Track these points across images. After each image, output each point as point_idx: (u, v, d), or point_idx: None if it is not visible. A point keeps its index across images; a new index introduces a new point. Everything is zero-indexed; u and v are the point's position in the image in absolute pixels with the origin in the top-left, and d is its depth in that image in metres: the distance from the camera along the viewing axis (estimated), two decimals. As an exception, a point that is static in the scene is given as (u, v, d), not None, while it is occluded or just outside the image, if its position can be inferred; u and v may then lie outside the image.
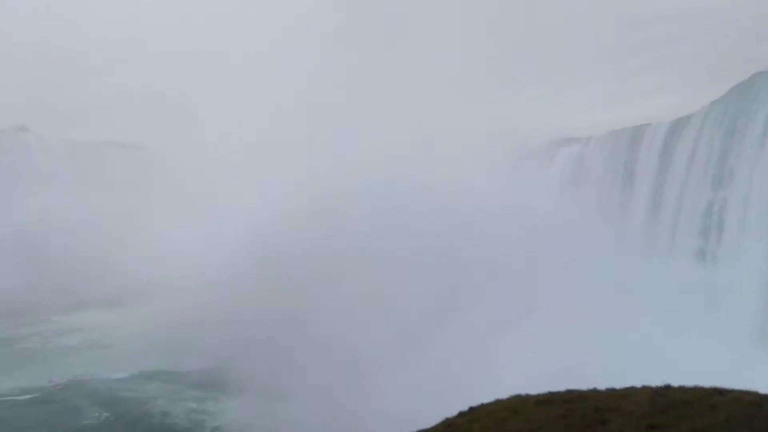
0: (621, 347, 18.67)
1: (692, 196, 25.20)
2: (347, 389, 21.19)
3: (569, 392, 8.46)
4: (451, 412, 8.34)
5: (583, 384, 8.68)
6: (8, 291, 41.88)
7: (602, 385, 8.11)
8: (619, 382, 6.95)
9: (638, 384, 7.10)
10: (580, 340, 19.41)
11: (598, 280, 23.31)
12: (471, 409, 8.16)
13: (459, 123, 35.10)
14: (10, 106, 64.49)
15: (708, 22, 76.72)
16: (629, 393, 7.26)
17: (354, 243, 26.89)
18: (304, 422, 20.90)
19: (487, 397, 8.65)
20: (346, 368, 22.09)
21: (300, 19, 45.15)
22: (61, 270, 44.90)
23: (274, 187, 32.77)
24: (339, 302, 24.92)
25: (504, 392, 8.42)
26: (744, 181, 22.45)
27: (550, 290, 22.42)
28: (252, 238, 30.36)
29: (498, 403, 8.09)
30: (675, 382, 6.76)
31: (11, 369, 28.21)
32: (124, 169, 61.44)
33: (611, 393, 7.54)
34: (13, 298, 41.18)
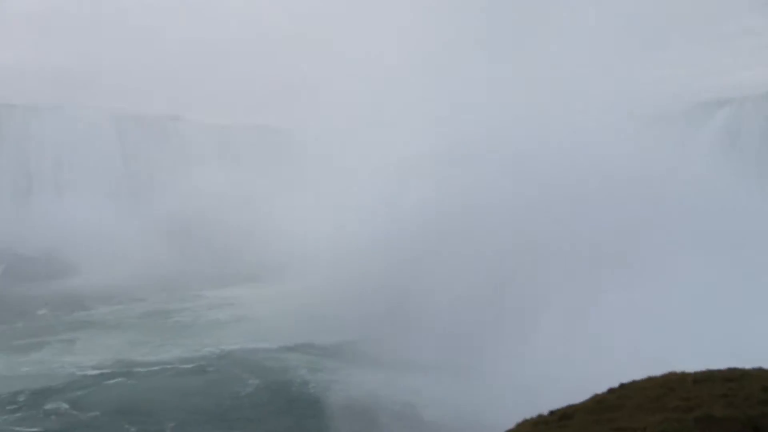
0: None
1: None
2: (483, 364, 21.08)
3: (731, 370, 7.86)
4: (599, 388, 8.02)
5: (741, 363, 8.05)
6: (165, 267, 45.52)
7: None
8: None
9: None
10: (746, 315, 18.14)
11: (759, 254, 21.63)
12: (621, 385, 7.82)
13: (592, 87, 33.24)
14: (165, 96, 69.30)
15: None
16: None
17: (488, 218, 26.45)
18: (437, 394, 21.01)
19: (636, 375, 8.24)
20: (481, 343, 21.93)
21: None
22: (210, 248, 48.24)
23: (408, 168, 32.70)
24: (474, 277, 24.77)
25: (658, 369, 7.99)
26: None
27: (707, 264, 21.00)
28: (385, 216, 30.71)
29: (651, 380, 7.66)
30: None
31: (169, 340, 30.39)
32: (265, 151, 64.58)
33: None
34: (170, 274, 44.68)
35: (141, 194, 62.77)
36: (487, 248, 25.51)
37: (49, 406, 22.08)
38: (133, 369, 26.03)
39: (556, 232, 24.37)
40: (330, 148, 43.71)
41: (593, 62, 33.74)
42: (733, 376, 7.48)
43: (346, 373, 24.58)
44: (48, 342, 30.42)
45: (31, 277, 48.21)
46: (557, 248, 23.85)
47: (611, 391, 7.69)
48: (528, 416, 7.63)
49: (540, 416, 7.63)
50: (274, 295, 36.05)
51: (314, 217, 36.54)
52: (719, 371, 7.71)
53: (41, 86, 67.27)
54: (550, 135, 28.78)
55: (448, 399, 20.44)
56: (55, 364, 26.92)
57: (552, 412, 7.64)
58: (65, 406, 22.11)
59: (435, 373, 22.53)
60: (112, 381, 24.83)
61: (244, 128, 71.46)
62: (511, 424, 7.46)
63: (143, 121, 69.92)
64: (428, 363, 23.18)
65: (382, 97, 39.43)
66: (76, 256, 49.99)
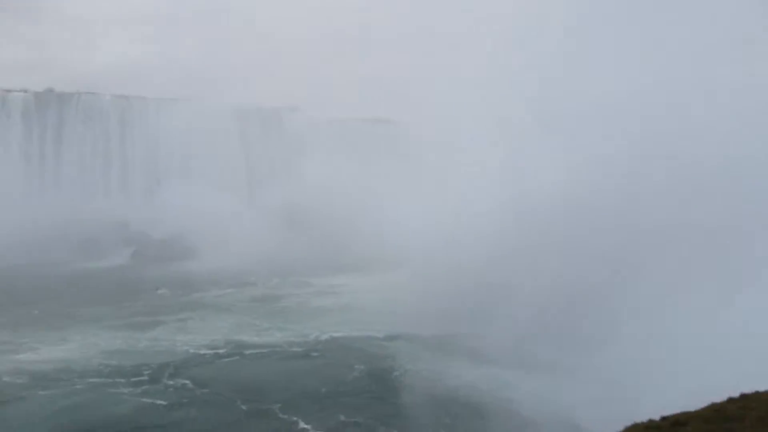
0: None
1: None
2: (580, 362, 20.33)
3: None
4: (717, 396, 7.38)
5: None
6: (278, 254, 47.06)
7: None
8: None
9: None
10: None
11: None
12: (743, 395, 7.16)
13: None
14: (283, 89, 71.74)
15: None
16: None
17: (598, 209, 25.14)
18: (534, 390, 20.44)
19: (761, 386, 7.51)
20: (582, 341, 21.08)
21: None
22: (321, 237, 49.46)
23: (529, 159, 31.56)
24: (578, 273, 23.79)
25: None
26: None
27: None
28: (490, 210, 30.05)
29: (778, 392, 6.97)
30: None
31: (277, 324, 31.34)
32: (379, 144, 65.48)
33: None
34: (281, 261, 46.15)
35: (259, 184, 65.32)
36: (595, 242, 24.29)
37: (167, 381, 23.26)
38: (243, 350, 26.98)
39: (679, 224, 22.55)
40: (443, 142, 43.44)
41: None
42: None
43: (446, 365, 24.38)
44: (164, 321, 32.12)
45: (156, 259, 51.45)
46: (683, 240, 22.04)
47: (731, 400, 7.05)
48: (629, 419, 7.15)
49: (651, 421, 7.15)
50: (380, 285, 36.40)
51: (423, 210, 36.41)
52: None
53: (170, 81, 71.30)
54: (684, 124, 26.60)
55: (545, 396, 19.88)
56: (170, 341, 28.37)
57: (664, 418, 7.14)
58: (182, 381, 23.21)
59: (532, 370, 22.11)
60: (223, 360, 25.89)
61: (360, 121, 72.66)
62: (610, 425, 6.99)
63: (263, 114, 72.70)
64: (526, 359, 22.81)
65: (501, 92, 38.41)
66: (197, 241, 52.77)
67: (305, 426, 19.45)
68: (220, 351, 26.79)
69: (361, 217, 45.70)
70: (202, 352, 26.71)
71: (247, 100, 70.22)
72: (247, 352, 26.75)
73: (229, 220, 52.95)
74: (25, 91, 70.11)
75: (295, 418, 19.97)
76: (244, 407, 20.97)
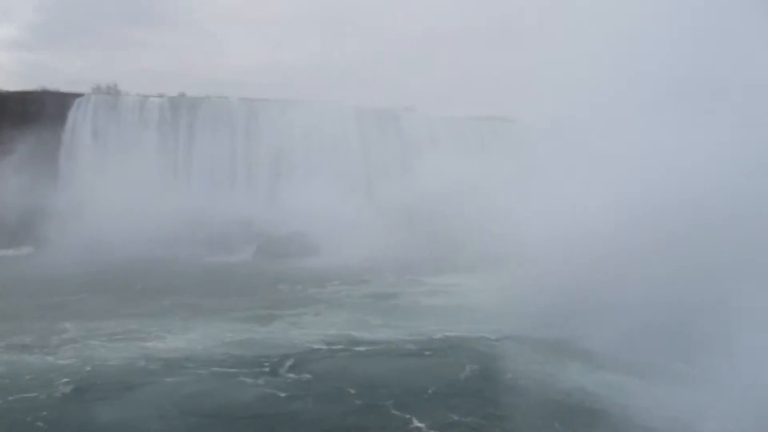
0: None
1: None
2: (701, 369, 19.12)
3: None
4: None
5: None
6: (393, 253, 47.73)
7: None
8: None
9: None
10: None
11: None
12: None
13: None
14: (400, 88, 72.61)
15: None
16: None
17: (727, 207, 23.37)
18: (649, 397, 19.51)
19: None
20: (704, 347, 19.80)
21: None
22: (436, 236, 49.62)
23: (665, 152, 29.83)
24: (703, 275, 22.36)
25: None
26: None
27: None
28: (607, 210, 28.81)
29: None
30: None
31: (389, 321, 31.70)
32: (494, 141, 64.93)
33: None
34: (395, 259, 46.78)
35: (376, 183, 66.49)
36: (720, 239, 22.67)
37: (285, 373, 24.12)
38: (356, 346, 27.52)
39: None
40: (560, 139, 42.26)
41: None
42: None
43: (558, 367, 23.78)
44: (281, 315, 33.26)
45: (278, 256, 53.64)
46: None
47: None
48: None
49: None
50: (493, 285, 36.01)
51: (538, 208, 35.60)
52: None
53: (294, 83, 74.06)
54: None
55: (664, 403, 18.92)
56: (287, 335, 29.38)
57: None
58: (299, 374, 23.99)
59: (647, 375, 21.26)
60: (337, 355, 26.51)
61: (474, 119, 72.25)
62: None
63: (380, 114, 73.96)
64: (640, 364, 22.03)
65: (623, 88, 36.75)
66: (317, 239, 54.52)
67: (419, 424, 19.45)
68: (335, 346, 27.44)
69: (476, 215, 45.31)
70: (318, 346, 27.46)
71: (365, 100, 71.80)
72: (361, 348, 27.25)
73: (348, 219, 54.25)
74: (161, 96, 75.53)
75: (408, 416, 20.04)
76: (358, 402, 21.35)
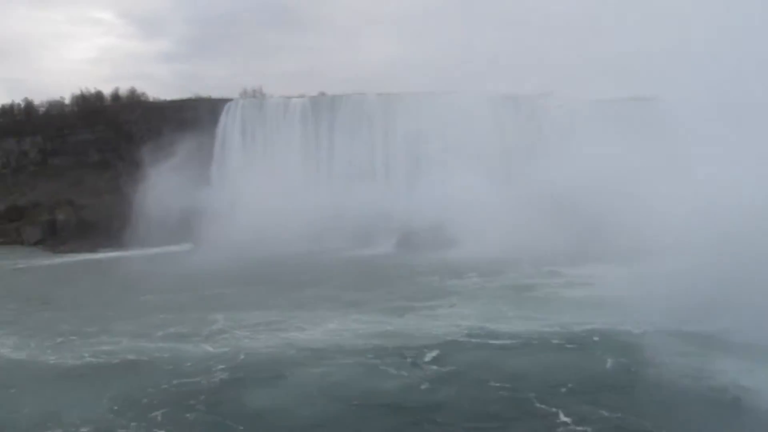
0: None
1: None
2: None
3: None
4: None
5: None
6: (533, 243, 46.68)
7: None
8: None
9: None
10: None
11: None
12: None
13: None
14: (536, 74, 70.73)
15: None
16: None
17: None
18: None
19: None
20: None
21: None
22: (578, 224, 47.73)
23: None
24: None
25: None
26: None
27: None
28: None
29: None
30: None
31: (527, 314, 31.08)
32: (639, 124, 61.45)
33: None
34: (535, 249, 45.66)
35: (516, 172, 65.20)
36: None
37: (426, 364, 24.39)
38: (494, 338, 27.30)
39: None
40: (710, 121, 39.28)
41: None
42: None
43: (708, 361, 22.38)
44: (415, 307, 33.59)
45: (417, 248, 54.21)
46: None
47: None
48: None
49: None
50: (638, 277, 33.94)
51: (689, 195, 33.29)
52: None
53: (429, 75, 74.23)
54: None
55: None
56: (420, 327, 29.59)
57: None
58: (439, 365, 24.23)
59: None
60: (474, 347, 26.42)
61: (616, 101, 68.88)
62: None
63: (517, 101, 72.45)
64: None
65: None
66: (456, 230, 54.44)
67: (565, 419, 19.08)
68: (472, 339, 27.38)
69: (620, 203, 43.24)
70: (454, 338, 27.52)
71: (502, 88, 70.64)
72: (499, 341, 27.02)
73: (487, 209, 53.64)
74: (302, 96, 78.82)
75: (554, 410, 19.72)
76: (500, 393, 21.27)
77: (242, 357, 25.68)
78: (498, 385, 21.97)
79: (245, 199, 62.02)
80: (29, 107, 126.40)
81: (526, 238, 47.55)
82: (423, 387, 22.12)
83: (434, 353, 25.42)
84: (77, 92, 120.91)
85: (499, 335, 27.72)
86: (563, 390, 21.30)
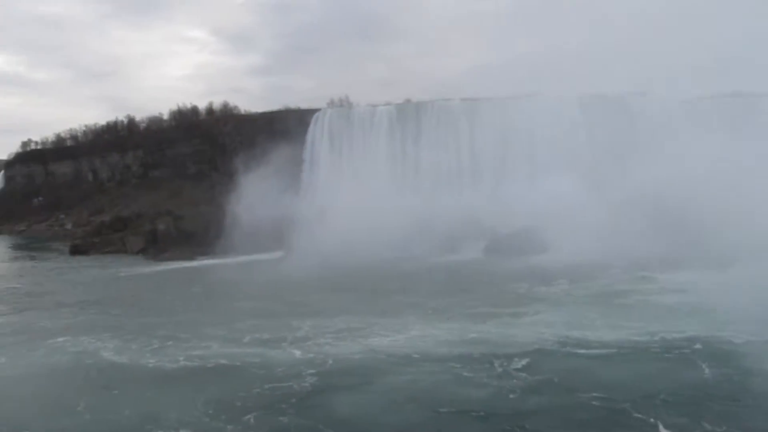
0: None
1: None
2: None
3: None
4: None
5: None
6: (625, 247, 45.03)
7: None
8: None
9: None
10: None
11: None
12: None
13: None
14: (627, 73, 68.31)
15: None
16: None
17: None
18: None
19: None
20: None
21: None
22: (676, 228, 45.75)
23: None
24: None
25: None
26: None
27: None
28: None
29: None
30: None
31: (617, 321, 29.98)
32: (739, 121, 58.36)
33: None
34: (628, 254, 44.07)
35: (607, 173, 63.23)
36: None
37: (514, 371, 24.02)
38: (582, 346, 26.56)
39: None
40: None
41: None
42: None
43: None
44: (499, 314, 33.06)
45: (505, 254, 53.30)
46: None
47: None
48: None
49: None
50: (737, 284, 32.21)
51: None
52: None
53: (516, 79, 73.22)
54: None
55: None
56: (503, 334, 29.09)
57: None
58: (527, 372, 23.81)
59: None
60: (562, 355, 25.78)
61: (715, 98, 65.54)
62: None
63: (607, 101, 70.37)
64: None
65: None
66: (545, 234, 53.32)
67: (665, 431, 18.49)
68: (560, 347, 26.75)
69: (719, 206, 41.18)
70: (543, 346, 26.94)
71: (592, 89, 68.80)
72: (587, 349, 26.25)
73: (577, 213, 52.20)
74: (388, 104, 79.66)
75: (652, 420, 19.08)
76: (594, 404, 20.69)
77: (330, 362, 26.06)
78: (590, 394, 21.37)
79: (334, 206, 63.03)
80: (131, 123, 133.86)
81: (619, 242, 45.92)
82: (512, 395, 21.83)
83: (521, 361, 25.02)
84: (174, 107, 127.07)
85: (587, 343, 26.96)
86: (661, 400, 20.56)
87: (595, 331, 28.66)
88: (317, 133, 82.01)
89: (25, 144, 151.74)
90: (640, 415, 19.45)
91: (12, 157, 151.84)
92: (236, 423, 20.34)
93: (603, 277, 41.38)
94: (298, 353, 27.49)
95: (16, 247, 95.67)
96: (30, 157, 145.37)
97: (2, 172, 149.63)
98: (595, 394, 21.26)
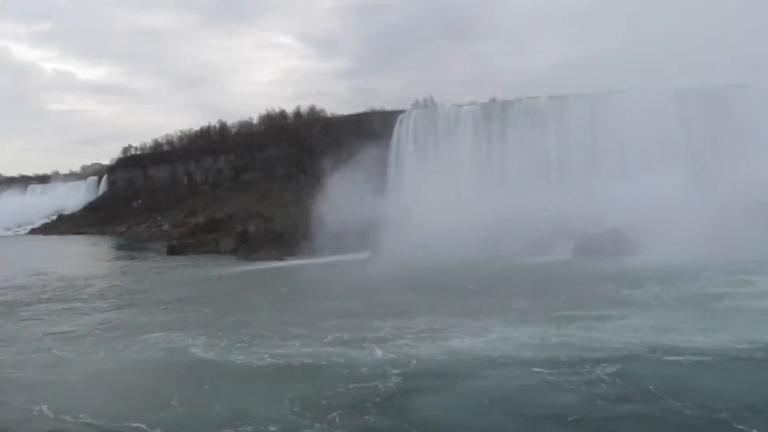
0: None
1: None
2: None
3: None
4: None
5: None
6: (723, 247, 42.90)
7: None
8: None
9: None
10: None
11: None
12: None
13: None
14: (727, 65, 64.85)
15: None
16: None
17: None
18: None
19: None
20: None
21: None
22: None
23: None
24: None
25: None
26: None
27: None
28: None
29: None
30: None
31: (708, 327, 28.57)
32: None
33: None
34: (728, 254, 41.94)
35: (704, 170, 60.50)
36: None
37: (604, 376, 23.17)
38: (668, 353, 25.42)
39: None
40: None
41: None
42: None
43: None
44: (583, 317, 31.94)
45: (596, 255, 51.76)
46: None
47: None
48: None
49: None
50: None
51: None
52: None
53: (606, 74, 71.08)
54: None
55: None
56: (587, 337, 28.21)
57: None
58: (617, 378, 22.93)
59: None
60: (647, 362, 24.72)
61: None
62: None
63: (705, 95, 67.16)
64: None
65: None
66: (638, 235, 51.49)
67: (769, 444, 17.37)
68: (648, 353, 25.64)
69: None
70: (630, 351, 25.91)
71: (686, 82, 65.81)
72: (678, 356, 25.07)
73: (672, 212, 50.06)
74: (473, 103, 79.06)
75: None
76: (688, 412, 19.74)
77: (414, 363, 25.96)
78: (685, 402, 20.40)
79: (420, 207, 63.06)
80: (223, 128, 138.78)
81: (718, 243, 43.72)
82: (600, 402, 21.09)
83: (609, 366, 24.15)
84: (263, 112, 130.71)
85: (678, 349, 25.73)
86: (764, 412, 19.34)
87: (687, 336, 27.37)
88: (402, 134, 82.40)
89: (125, 149, 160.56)
90: (742, 427, 18.43)
91: (114, 162, 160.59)
92: (322, 421, 20.50)
93: (697, 279, 39.51)
94: (380, 353, 27.52)
95: (118, 247, 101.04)
96: (130, 162, 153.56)
97: (105, 176, 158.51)
98: (690, 403, 20.30)
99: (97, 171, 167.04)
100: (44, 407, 22.61)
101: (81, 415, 21.66)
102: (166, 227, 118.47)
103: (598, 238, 55.20)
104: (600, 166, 67.23)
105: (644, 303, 34.90)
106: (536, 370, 24.29)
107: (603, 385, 22.45)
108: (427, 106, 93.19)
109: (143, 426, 20.60)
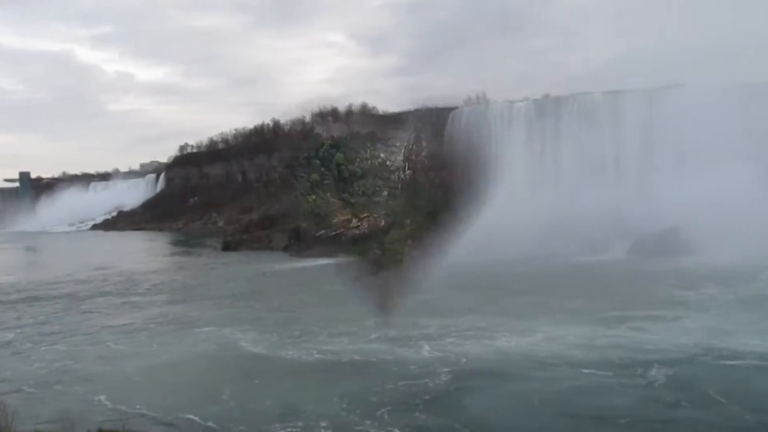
0: None
1: None
2: None
3: None
4: None
5: None
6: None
7: None
8: None
9: None
10: None
11: None
12: None
13: None
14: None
15: None
16: None
17: None
18: None
19: None
20: None
21: None
22: None
23: None
24: None
25: None
26: None
27: None
28: None
29: None
30: None
31: (764, 330, 27.85)
32: None
33: None
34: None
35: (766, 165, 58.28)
36: None
37: (658, 379, 22.69)
38: (722, 356, 24.73)
39: None
40: None
41: None
42: None
43: None
44: (633, 317, 31.25)
45: (653, 254, 50.57)
46: None
47: None
48: None
49: None
50: None
51: None
52: None
53: (659, 69, 69.34)
54: None
55: None
56: (637, 339, 27.65)
57: None
58: (671, 380, 22.42)
59: None
60: (701, 365, 24.07)
61: None
62: None
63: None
64: None
65: None
66: (697, 234, 50.01)
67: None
68: (702, 356, 24.98)
69: None
70: (681, 354, 25.29)
71: (744, 77, 63.42)
72: (733, 359, 24.34)
73: (733, 211, 48.43)
74: (526, 99, 77.93)
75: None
76: (747, 417, 19.14)
77: (463, 361, 25.92)
78: (743, 407, 19.81)
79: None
80: (276, 127, 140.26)
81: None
82: (653, 404, 20.69)
83: (661, 368, 23.61)
84: (316, 110, 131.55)
85: (733, 352, 25.00)
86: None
87: (741, 338, 26.57)
88: (455, 132, 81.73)
89: (182, 148, 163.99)
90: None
91: (171, 160, 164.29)
92: (371, 418, 20.57)
93: (756, 281, 38.46)
94: (429, 351, 27.52)
95: (175, 243, 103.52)
96: (186, 160, 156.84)
97: (163, 174, 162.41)
98: (750, 408, 19.70)
99: (155, 169, 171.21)
100: (102, 397, 23.40)
101: (137, 406, 22.29)
102: (220, 224, 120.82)
103: (654, 237, 53.92)
104: (657, 163, 65.60)
105: (699, 304, 34.04)
106: (586, 371, 23.89)
107: (656, 387, 22.00)
108: (479, 102, 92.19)
109: (196, 419, 21.04)
